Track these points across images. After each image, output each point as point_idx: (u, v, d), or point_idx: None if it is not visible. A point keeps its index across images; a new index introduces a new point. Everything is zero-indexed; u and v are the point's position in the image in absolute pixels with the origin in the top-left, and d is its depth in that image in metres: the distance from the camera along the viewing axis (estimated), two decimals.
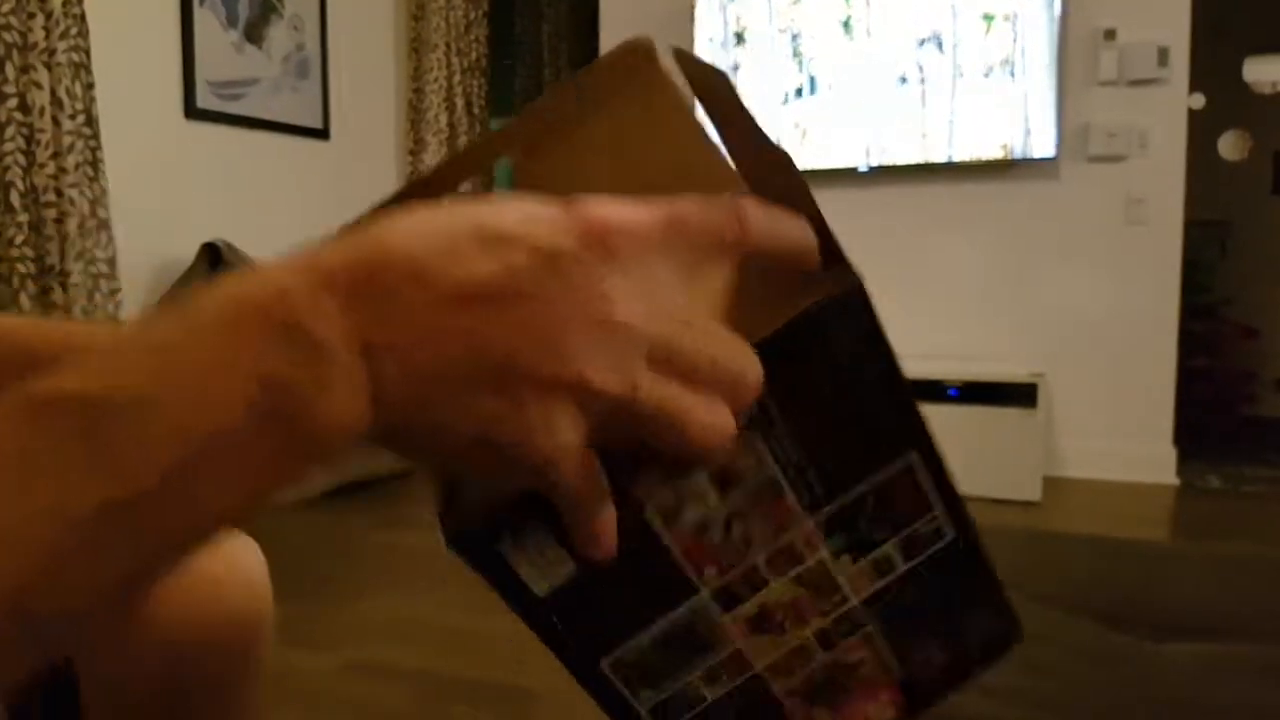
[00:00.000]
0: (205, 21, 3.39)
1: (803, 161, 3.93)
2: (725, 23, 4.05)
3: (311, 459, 0.27)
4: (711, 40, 4.07)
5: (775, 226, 0.34)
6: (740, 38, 4.04)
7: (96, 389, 0.24)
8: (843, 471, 0.37)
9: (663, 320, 0.30)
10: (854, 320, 0.35)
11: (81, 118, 2.81)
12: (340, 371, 0.27)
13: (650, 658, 0.38)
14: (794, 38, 3.95)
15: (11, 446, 0.24)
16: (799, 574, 0.37)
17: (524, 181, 0.41)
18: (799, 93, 3.96)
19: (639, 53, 0.38)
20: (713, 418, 0.31)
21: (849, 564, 0.38)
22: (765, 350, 0.33)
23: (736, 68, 4.05)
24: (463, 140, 4.61)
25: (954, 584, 0.40)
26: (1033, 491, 3.34)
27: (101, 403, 0.24)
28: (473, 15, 4.67)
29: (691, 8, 4.08)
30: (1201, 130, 4.42)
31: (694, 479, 0.35)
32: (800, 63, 3.95)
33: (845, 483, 0.37)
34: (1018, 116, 3.63)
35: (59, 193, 2.74)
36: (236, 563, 0.69)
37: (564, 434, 0.29)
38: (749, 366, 0.32)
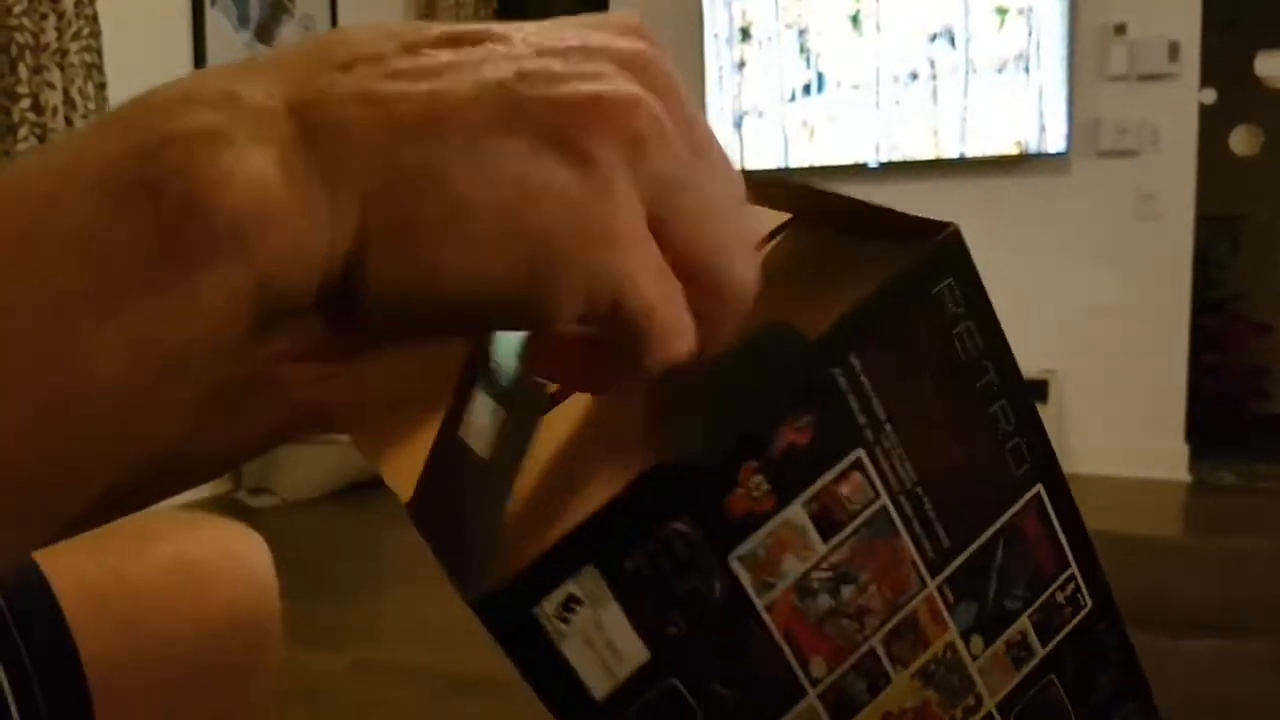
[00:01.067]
0: (216, 22, 3.40)
1: (810, 158, 3.93)
2: (730, 18, 4.05)
3: (225, 278, 0.18)
4: (716, 36, 4.07)
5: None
6: (746, 33, 4.03)
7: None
8: (963, 504, 0.29)
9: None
10: (960, 270, 0.30)
11: (94, 118, 2.82)
12: (256, 123, 0.19)
13: None
14: (801, 33, 3.94)
15: None
16: (927, 667, 0.30)
17: None
18: (806, 90, 3.96)
19: None
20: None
21: (980, 647, 0.30)
22: (860, 322, 0.27)
23: (742, 65, 4.04)
24: None
25: (1097, 671, 0.33)
26: None
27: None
28: (482, 13, 4.67)
29: (698, 3, 4.08)
30: (1212, 125, 4.40)
31: (790, 512, 0.27)
32: (808, 59, 3.94)
33: (967, 523, 0.30)
34: (1032, 112, 3.62)
35: None
36: (241, 560, 0.69)
37: (629, 214, 0.21)
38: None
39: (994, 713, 0.31)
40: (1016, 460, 0.31)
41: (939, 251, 0.29)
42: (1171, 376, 3.60)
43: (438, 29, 0.22)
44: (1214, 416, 4.44)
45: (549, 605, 0.25)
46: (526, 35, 0.22)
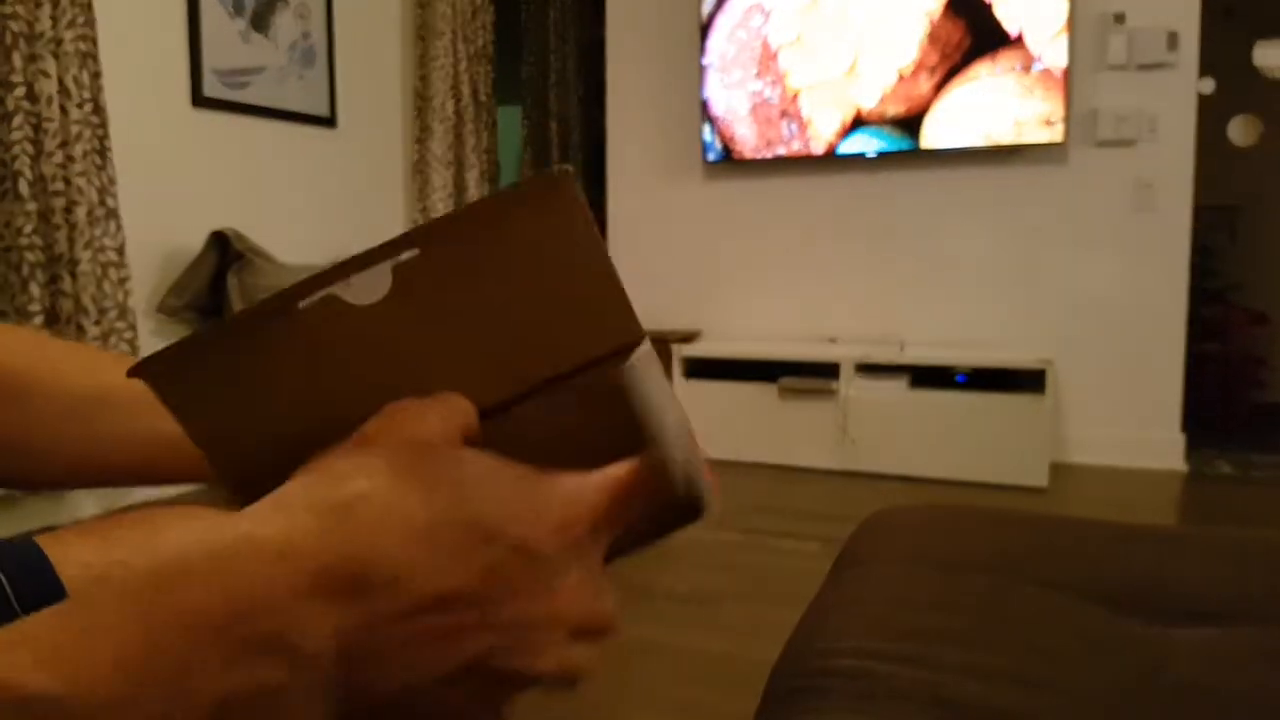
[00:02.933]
0: (212, 10, 3.39)
1: (807, 148, 3.93)
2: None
3: None
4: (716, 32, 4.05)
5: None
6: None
7: (64, 692, 0.23)
8: None
9: (593, 600, 0.33)
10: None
11: (89, 106, 2.82)
12: (309, 685, 0.26)
13: None
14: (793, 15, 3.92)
15: None
16: None
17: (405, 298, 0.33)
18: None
19: (556, 177, 0.33)
20: (586, 662, 0.33)
21: None
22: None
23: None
24: (469, 127, 4.61)
25: None
26: (1040, 478, 3.33)
27: (69, 709, 0.23)
28: (479, 2, 4.66)
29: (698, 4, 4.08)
30: (1211, 115, 4.40)
31: None
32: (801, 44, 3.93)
33: None
34: (1030, 100, 3.62)
35: (67, 181, 2.74)
36: None
37: (502, 712, 0.31)
38: (614, 616, 0.34)
39: None
40: None
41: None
42: (1169, 366, 3.60)
43: (461, 584, 0.29)
44: (1211, 406, 4.46)
45: None
46: (510, 605, 0.30)
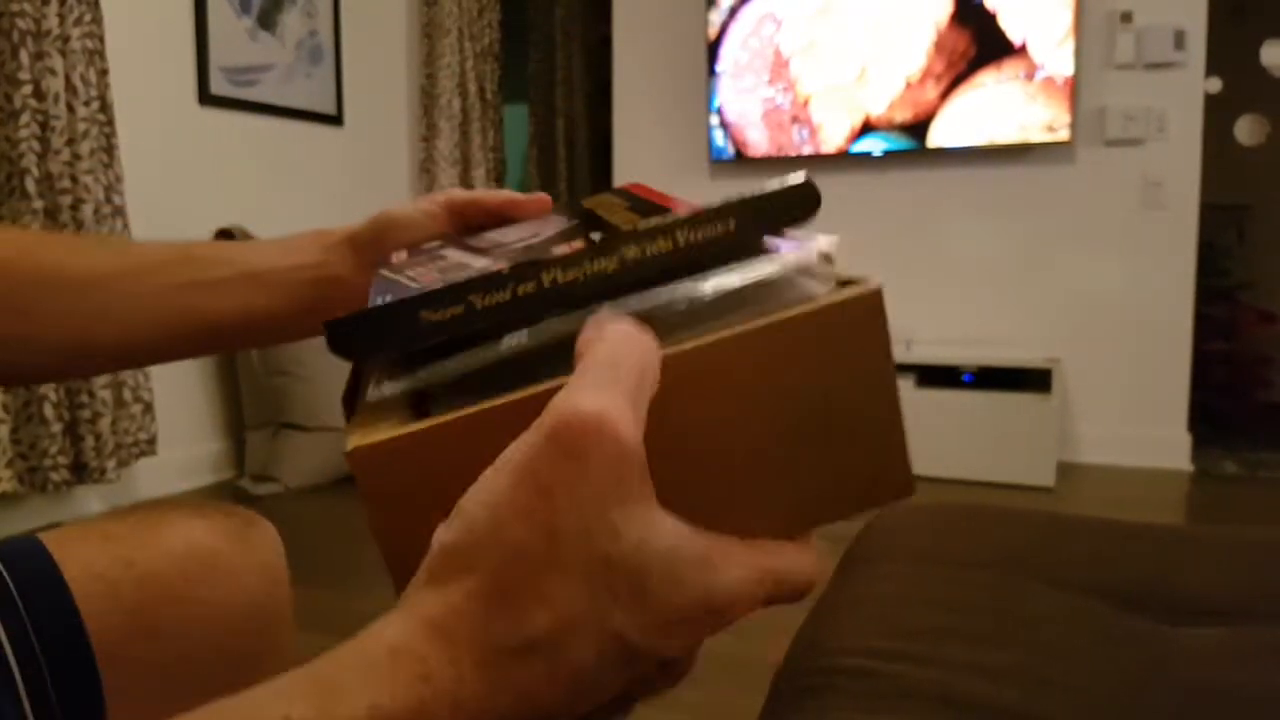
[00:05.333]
0: (218, 8, 3.40)
1: (818, 152, 3.92)
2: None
3: None
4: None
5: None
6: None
7: None
8: None
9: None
10: None
11: (96, 104, 2.82)
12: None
13: None
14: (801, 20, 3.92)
15: None
16: None
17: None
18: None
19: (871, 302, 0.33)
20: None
21: None
22: None
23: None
24: (476, 125, 4.61)
25: None
26: (1046, 477, 3.33)
27: None
28: (485, 0, 4.66)
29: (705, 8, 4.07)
30: (1218, 114, 4.38)
31: None
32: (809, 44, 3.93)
33: None
34: (1035, 100, 3.61)
35: (74, 179, 2.75)
36: (251, 546, 0.69)
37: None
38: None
39: None
40: None
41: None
42: (1176, 365, 3.59)
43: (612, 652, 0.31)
44: (1218, 405, 4.44)
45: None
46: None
